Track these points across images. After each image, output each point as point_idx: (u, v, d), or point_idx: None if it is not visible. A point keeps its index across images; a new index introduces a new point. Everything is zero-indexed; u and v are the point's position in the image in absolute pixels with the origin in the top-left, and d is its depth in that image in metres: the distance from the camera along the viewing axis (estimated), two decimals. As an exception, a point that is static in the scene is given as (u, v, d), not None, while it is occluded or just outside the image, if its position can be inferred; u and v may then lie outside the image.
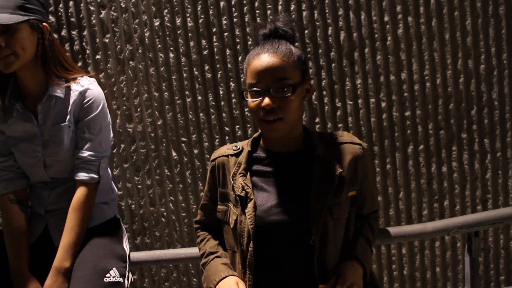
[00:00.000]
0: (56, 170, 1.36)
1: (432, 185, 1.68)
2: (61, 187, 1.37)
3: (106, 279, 1.19)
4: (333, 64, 1.65)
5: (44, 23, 1.29)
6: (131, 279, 1.34)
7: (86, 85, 1.34)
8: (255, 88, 1.04)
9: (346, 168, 1.08)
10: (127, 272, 1.30)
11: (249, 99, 1.06)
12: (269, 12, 1.65)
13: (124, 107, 1.69)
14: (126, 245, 1.46)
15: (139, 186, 1.71)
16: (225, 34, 1.63)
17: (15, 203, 1.32)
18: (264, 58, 1.04)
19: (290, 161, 1.12)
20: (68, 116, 1.32)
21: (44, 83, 1.33)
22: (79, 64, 1.66)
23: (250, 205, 1.06)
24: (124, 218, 1.75)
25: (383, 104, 1.63)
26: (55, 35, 1.69)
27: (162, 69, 1.65)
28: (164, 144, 1.69)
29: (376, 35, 1.60)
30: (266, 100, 1.01)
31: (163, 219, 1.74)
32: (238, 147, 1.19)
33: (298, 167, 1.11)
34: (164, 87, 1.66)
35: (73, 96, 1.32)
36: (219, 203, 1.17)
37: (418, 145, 1.64)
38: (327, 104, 1.66)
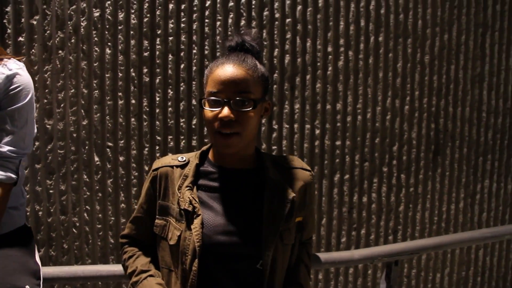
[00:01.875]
0: None
1: (352, 213, 2.12)
2: None
3: None
4: (275, 86, 1.99)
5: None
6: None
7: (15, 69, 1.42)
8: (214, 98, 1.21)
9: (296, 193, 1.31)
10: None
11: (207, 108, 1.23)
12: (218, 23, 1.95)
13: (45, 101, 1.83)
14: (38, 259, 1.50)
15: (50, 191, 1.87)
16: (170, 38, 1.90)
17: None
18: (228, 68, 1.24)
19: (240, 179, 1.32)
20: None
21: None
22: None
23: (197, 221, 1.24)
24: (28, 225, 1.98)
25: (317, 131, 2.04)
26: (-30, 7, 1.86)
27: (95, 64, 1.85)
28: (86, 147, 1.87)
29: (319, 64, 2.01)
30: (225, 111, 1.19)
31: (74, 230, 1.91)
32: (184, 158, 1.38)
33: (248, 186, 1.31)
34: (94, 85, 1.86)
35: None
36: (157, 216, 1.34)
37: (344, 174, 2.09)
38: (264, 125, 2.00)
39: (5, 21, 1.79)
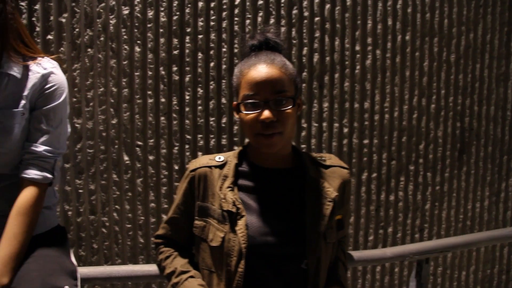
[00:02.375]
0: (0, 163, 1.38)
1: (379, 212, 2.15)
2: (2, 184, 1.38)
3: None
4: (304, 85, 2.01)
5: None
6: None
7: (50, 68, 1.39)
8: (252, 100, 1.20)
9: (336, 191, 1.31)
10: None
11: (244, 112, 1.22)
12: (247, 21, 1.94)
13: (74, 99, 1.81)
14: (74, 259, 1.59)
15: (80, 191, 1.84)
16: (199, 36, 1.88)
17: None
18: (262, 69, 1.23)
19: (279, 178, 1.31)
20: (23, 102, 1.36)
21: None
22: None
23: (241, 222, 1.24)
24: None
25: (345, 130, 2.03)
26: (-1, 4, 1.81)
27: (124, 63, 1.82)
28: (115, 146, 1.85)
29: (347, 62, 2.01)
30: (266, 113, 1.18)
31: (103, 230, 1.88)
32: (222, 158, 1.36)
33: (287, 186, 1.30)
34: (124, 83, 1.83)
35: (33, 78, 1.37)
36: (196, 217, 1.33)
37: (371, 173, 2.09)
38: None
39: (33, 19, 1.75)
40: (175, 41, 1.87)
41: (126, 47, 1.83)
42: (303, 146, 2.03)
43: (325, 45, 2.00)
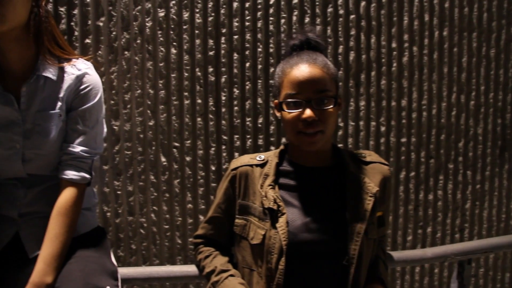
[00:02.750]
0: (37, 165, 1.40)
1: (418, 211, 2.10)
2: (40, 186, 1.41)
3: None
4: (340, 83, 2.07)
5: None
6: None
7: (84, 69, 1.42)
8: (294, 99, 1.23)
9: (377, 187, 1.31)
10: None
11: (287, 110, 1.25)
12: (282, 21, 1.94)
13: (112, 102, 1.82)
14: (114, 260, 1.55)
15: (118, 192, 1.86)
16: (235, 37, 1.87)
17: None
18: (304, 68, 1.25)
19: (319, 176, 1.33)
20: (60, 103, 1.38)
21: (33, 60, 1.37)
22: None
23: (282, 220, 1.25)
24: None
25: (382, 129, 2.00)
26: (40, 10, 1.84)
27: (161, 64, 1.83)
28: (153, 148, 1.86)
29: (383, 60, 1.97)
30: (308, 112, 1.22)
31: (141, 231, 1.90)
32: (263, 157, 1.38)
33: (328, 183, 1.32)
34: (160, 85, 1.84)
35: (68, 80, 1.39)
36: (237, 216, 1.35)
37: (409, 172, 2.05)
38: None
39: (72, 23, 1.77)
40: (211, 42, 1.86)
41: (162, 49, 1.84)
42: (339, 145, 1.99)
43: (361, 43, 1.97)
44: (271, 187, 1.30)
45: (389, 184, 1.37)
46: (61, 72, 1.38)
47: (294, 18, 1.92)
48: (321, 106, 1.23)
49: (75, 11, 1.77)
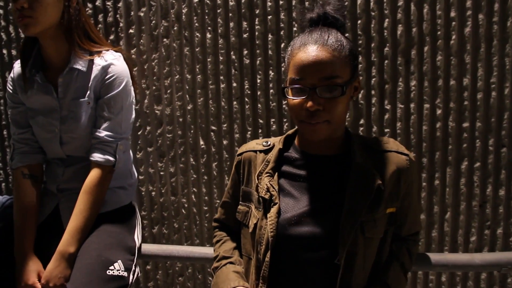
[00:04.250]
0: (73, 147, 1.66)
1: (485, 208, 1.86)
2: (76, 165, 1.67)
3: (109, 272, 1.47)
4: (386, 61, 1.83)
5: None
6: (138, 274, 1.61)
7: (110, 60, 1.62)
8: (298, 86, 1.17)
9: (387, 180, 1.22)
10: (133, 266, 1.58)
11: (290, 97, 1.20)
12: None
13: (154, 87, 2.00)
14: (137, 236, 1.71)
15: (161, 173, 2.05)
16: (269, 17, 1.88)
17: (27, 178, 1.66)
18: (311, 51, 1.17)
19: (326, 165, 1.27)
20: (88, 92, 1.61)
21: (67, 54, 1.61)
22: (111, 37, 1.99)
23: (273, 210, 1.24)
24: (143, 205, 2.09)
25: (439, 112, 1.83)
26: (89, 5, 2.11)
27: (197, 49, 1.95)
28: (192, 131, 2.00)
29: (439, 32, 1.79)
30: (312, 102, 1.15)
31: (183, 211, 2.07)
32: (269, 143, 1.37)
33: (334, 173, 1.26)
34: (197, 70, 1.96)
35: (95, 70, 1.60)
36: (240, 202, 1.38)
37: (474, 162, 1.83)
38: (375, 105, 1.87)
39: (117, 16, 1.99)
40: (245, 24, 1.92)
41: (198, 34, 1.95)
42: (386, 130, 1.88)
43: (411, 14, 1.81)
44: (268, 175, 1.30)
45: (407, 176, 1.26)
46: (91, 63, 1.62)
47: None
48: (327, 95, 1.15)
49: (120, 4, 1.99)
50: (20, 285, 1.54)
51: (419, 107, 1.85)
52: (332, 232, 1.20)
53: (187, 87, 1.99)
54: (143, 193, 2.09)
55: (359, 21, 1.85)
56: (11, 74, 1.73)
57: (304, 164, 1.30)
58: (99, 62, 1.63)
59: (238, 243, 1.43)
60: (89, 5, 2.01)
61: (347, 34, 1.82)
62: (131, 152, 1.83)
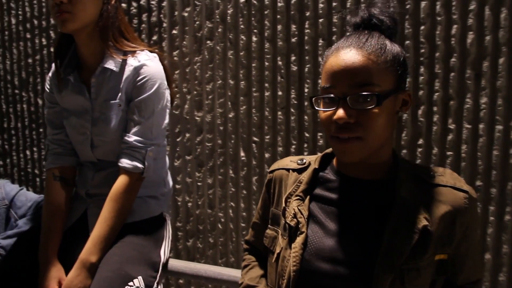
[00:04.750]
0: (103, 151, 1.62)
1: None
2: (106, 170, 1.63)
3: (127, 287, 1.40)
4: (452, 74, 1.60)
5: None
6: None
7: (143, 61, 1.55)
8: (326, 95, 1.04)
9: (437, 221, 1.03)
10: (155, 284, 1.51)
11: (320, 108, 1.06)
12: None
13: (195, 92, 1.91)
14: (164, 251, 1.64)
15: (199, 184, 1.96)
16: (320, 20, 1.73)
17: (57, 180, 1.65)
18: (343, 55, 1.03)
19: (364, 192, 1.11)
20: (120, 94, 1.55)
21: (102, 53, 1.57)
22: (154, 37, 1.93)
23: (299, 240, 1.11)
24: (178, 216, 2.01)
25: None
26: (134, 4, 2.04)
27: (241, 53, 1.83)
28: (232, 141, 1.89)
29: None
30: (340, 113, 1.00)
31: (219, 225, 1.96)
32: (305, 161, 1.24)
33: (373, 203, 1.09)
34: (241, 75, 1.84)
35: (127, 71, 1.55)
36: (269, 225, 1.25)
37: None
38: (437, 124, 1.65)
39: (161, 15, 1.91)
40: (293, 27, 1.77)
41: (243, 37, 1.83)
42: (449, 153, 1.66)
43: (485, 20, 1.57)
44: (298, 198, 1.16)
45: (464, 218, 1.06)
46: (124, 63, 1.57)
47: (393, -7, 1.65)
48: (359, 105, 1.00)
49: (164, 3, 1.91)
50: None
51: (490, 129, 1.61)
52: (364, 274, 1.03)
53: (229, 94, 1.88)
54: (179, 203, 2.01)
55: (422, 27, 1.64)
56: (49, 74, 1.72)
57: (339, 187, 1.15)
58: (131, 63, 1.56)
59: (266, 270, 1.29)
60: (134, 4, 1.95)
61: (407, 42, 1.63)
62: (167, 159, 1.75)
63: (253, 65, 1.84)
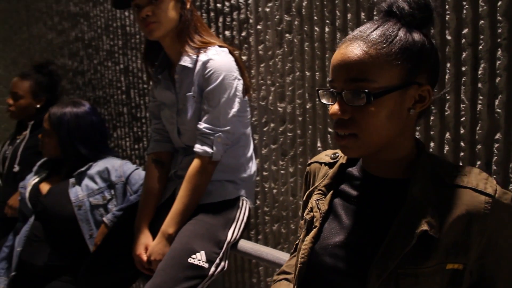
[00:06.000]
0: (188, 138, 1.84)
1: None
2: (192, 155, 1.81)
3: (190, 260, 1.60)
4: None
5: None
6: (222, 268, 1.68)
7: (210, 55, 1.73)
8: (326, 90, 1.04)
9: (447, 226, 0.96)
10: (218, 260, 1.66)
11: (324, 101, 1.06)
12: None
13: (277, 84, 1.97)
14: (233, 231, 1.79)
15: (282, 172, 2.01)
16: (390, 5, 1.69)
17: (154, 163, 1.90)
18: (344, 48, 1.00)
19: (382, 190, 1.08)
20: (193, 87, 1.76)
21: (182, 53, 1.77)
22: (243, 34, 2.04)
23: (311, 234, 1.13)
24: (266, 201, 2.10)
25: None
26: (227, 3, 2.18)
27: (316, 45, 1.82)
28: (310, 132, 1.90)
29: None
30: (334, 108, 1.00)
31: (300, 213, 2.11)
32: (337, 155, 1.23)
33: (390, 203, 1.05)
34: (316, 66, 1.83)
35: (198, 66, 1.74)
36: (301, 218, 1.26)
37: None
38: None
39: (248, 12, 2.02)
40: (362, 14, 1.69)
41: (316, 28, 1.82)
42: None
43: None
44: (319, 192, 1.18)
45: (483, 225, 0.96)
46: (197, 60, 1.76)
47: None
48: (352, 101, 0.98)
49: (250, 1, 2.01)
50: (134, 253, 1.82)
51: None
52: (360, 274, 1.01)
53: (306, 85, 1.89)
54: (266, 189, 2.10)
55: (499, 3, 1.41)
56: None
57: (361, 185, 1.13)
58: (201, 58, 1.75)
59: None
60: (226, 3, 2.09)
61: (481, 21, 1.42)
62: (251, 147, 1.90)
63: (327, 56, 1.81)
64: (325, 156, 1.27)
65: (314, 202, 1.17)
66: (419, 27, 1.03)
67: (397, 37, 0.98)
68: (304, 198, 1.27)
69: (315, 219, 1.14)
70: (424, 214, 0.97)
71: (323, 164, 1.25)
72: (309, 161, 1.31)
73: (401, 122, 1.02)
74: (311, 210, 1.17)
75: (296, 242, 1.29)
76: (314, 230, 1.13)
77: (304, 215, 1.19)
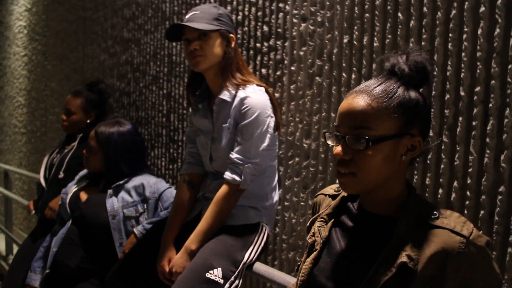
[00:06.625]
0: (218, 164, 2.01)
1: None
2: (220, 180, 1.97)
3: (207, 274, 1.74)
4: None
5: (231, 34, 1.94)
6: (236, 286, 1.81)
7: (248, 93, 1.90)
8: (332, 133, 1.20)
9: (424, 260, 1.07)
10: (233, 277, 1.80)
11: (329, 142, 1.22)
12: (464, 36, 1.64)
13: (305, 122, 2.12)
14: (250, 253, 1.92)
15: (302, 203, 2.14)
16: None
17: (186, 183, 2.07)
18: (351, 99, 1.18)
19: (373, 226, 1.22)
20: (229, 119, 1.93)
21: (222, 86, 1.95)
22: (278, 73, 2.21)
23: (312, 256, 1.27)
24: (285, 229, 2.22)
25: None
26: (265, 44, 2.40)
27: (342, 89, 1.98)
28: (330, 168, 2.04)
29: None
30: (337, 149, 1.17)
31: None
32: (341, 189, 1.36)
33: (379, 237, 1.18)
34: (341, 109, 2.08)
35: (236, 101, 1.91)
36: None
37: None
38: None
39: (284, 53, 2.20)
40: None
41: (344, 74, 1.98)
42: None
43: None
44: (322, 220, 1.34)
45: (457, 263, 1.07)
46: (235, 95, 1.94)
47: (480, 30, 1.58)
48: (354, 145, 1.14)
49: (286, 43, 2.19)
50: (157, 264, 1.99)
51: None
52: None
53: (331, 125, 2.04)
54: (286, 218, 2.24)
55: (510, 66, 1.53)
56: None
57: (357, 218, 1.28)
58: (240, 94, 1.92)
59: None
60: (265, 43, 2.29)
61: (493, 81, 1.55)
62: (275, 178, 2.04)
63: (352, 100, 1.96)
64: (330, 189, 1.42)
65: (316, 228, 1.32)
66: (416, 87, 1.20)
67: (396, 94, 1.14)
68: (308, 224, 1.41)
69: (316, 243, 1.29)
70: (406, 249, 1.10)
71: (327, 196, 1.40)
72: (317, 193, 1.47)
73: (394, 166, 1.17)
74: (313, 235, 1.32)
75: (298, 263, 1.42)
76: (315, 253, 1.28)
77: (307, 239, 1.33)
